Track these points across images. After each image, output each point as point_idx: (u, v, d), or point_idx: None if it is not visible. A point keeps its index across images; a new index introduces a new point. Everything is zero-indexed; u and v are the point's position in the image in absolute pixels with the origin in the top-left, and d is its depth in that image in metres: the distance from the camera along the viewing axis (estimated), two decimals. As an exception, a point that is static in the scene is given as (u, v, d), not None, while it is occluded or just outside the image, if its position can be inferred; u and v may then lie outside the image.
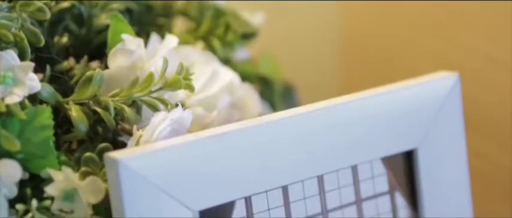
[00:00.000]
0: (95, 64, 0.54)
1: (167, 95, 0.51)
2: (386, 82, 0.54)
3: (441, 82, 0.53)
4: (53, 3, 0.53)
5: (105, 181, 0.47)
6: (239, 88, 0.58)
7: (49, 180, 0.47)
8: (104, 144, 0.49)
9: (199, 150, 0.47)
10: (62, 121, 0.51)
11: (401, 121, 0.52)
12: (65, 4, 0.54)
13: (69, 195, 0.46)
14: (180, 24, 0.63)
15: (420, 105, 0.53)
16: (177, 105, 0.51)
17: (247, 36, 0.62)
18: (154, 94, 0.50)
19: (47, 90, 0.49)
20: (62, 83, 0.52)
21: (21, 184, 0.47)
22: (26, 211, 0.46)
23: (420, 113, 0.53)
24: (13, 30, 0.48)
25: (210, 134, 0.48)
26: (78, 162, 0.49)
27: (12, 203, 0.46)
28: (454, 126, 0.54)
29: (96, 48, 0.55)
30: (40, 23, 0.52)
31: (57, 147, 0.49)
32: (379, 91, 0.52)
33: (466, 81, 0.55)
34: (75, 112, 0.49)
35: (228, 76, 0.57)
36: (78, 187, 0.46)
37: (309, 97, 0.57)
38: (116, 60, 0.51)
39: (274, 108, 0.64)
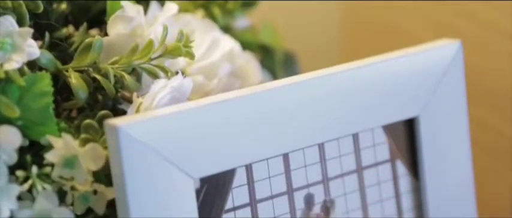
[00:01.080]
0: (94, 31, 0.54)
1: (167, 63, 0.51)
2: (388, 50, 0.53)
3: (443, 50, 0.53)
4: (52, -31, 0.52)
5: (105, 148, 0.47)
6: (240, 56, 0.57)
7: (49, 147, 0.46)
8: (103, 111, 0.49)
9: (200, 117, 0.47)
10: (62, 89, 0.50)
11: (402, 89, 0.52)
12: (64, -30, 0.53)
13: (69, 162, 0.46)
14: (180, -9, 0.62)
15: (422, 72, 0.52)
16: (177, 73, 0.51)
17: (248, 4, 0.62)
18: (154, 62, 0.50)
19: (46, 57, 0.49)
20: (61, 50, 0.52)
21: (21, 151, 0.47)
22: (26, 178, 0.46)
23: (422, 81, 0.52)
24: (11, -4, 0.48)
25: (210, 101, 0.47)
26: (77, 129, 0.49)
27: (12, 170, 0.46)
28: (455, 94, 0.53)
29: (95, 15, 0.55)
30: (39, -11, 0.51)
31: (57, 114, 0.49)
32: (380, 59, 0.52)
33: (468, 49, 0.55)
34: (74, 79, 0.49)
35: (228, 44, 0.57)
36: (78, 154, 0.46)
37: (310, 66, 0.57)
38: (116, 27, 0.51)
39: (275, 76, 0.63)
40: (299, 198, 0.51)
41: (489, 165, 0.67)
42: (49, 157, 0.46)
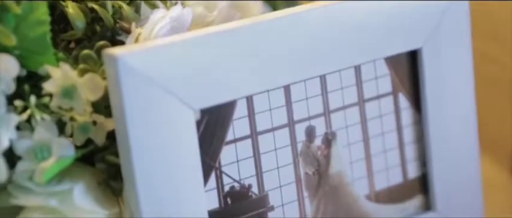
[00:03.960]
0: (91, -39, 0.52)
1: (167, -7, 0.50)
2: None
3: (447, -19, 0.52)
4: None
5: (104, 78, 0.46)
6: (240, -12, 0.56)
7: (47, 77, 0.46)
8: (102, 42, 0.48)
9: (200, 47, 0.46)
10: (59, 20, 0.50)
11: (405, 20, 0.51)
12: None
13: (68, 92, 0.46)
14: None
15: (425, 3, 0.51)
16: (176, 3, 0.50)
17: None
18: (153, -8, 0.49)
19: (43, -15, 0.48)
20: (58, -20, 0.51)
21: (19, 82, 0.46)
22: (25, 108, 0.46)
23: (425, 12, 0.51)
24: None
25: (211, 32, 0.47)
26: (76, 60, 0.48)
27: (10, 100, 0.46)
28: (459, 26, 0.53)
29: None
30: None
31: (55, 45, 0.48)
32: (383, -11, 0.51)
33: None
34: (72, 9, 0.48)
35: (228, -25, 0.56)
36: (76, 84, 0.46)
37: (311, -1, 0.56)
38: (113, -43, 0.50)
39: (275, 9, 0.62)
40: (300, 130, 0.50)
41: (491, 97, 0.67)
42: (47, 86, 0.45)
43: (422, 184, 0.54)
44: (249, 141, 0.49)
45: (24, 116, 0.45)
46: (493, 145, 0.67)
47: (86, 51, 0.47)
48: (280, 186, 0.50)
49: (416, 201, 0.54)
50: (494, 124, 0.67)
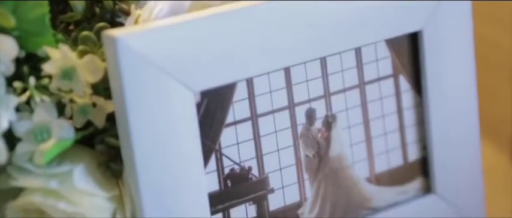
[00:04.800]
0: None
1: (166, -25, 0.50)
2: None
3: (448, -38, 0.52)
4: None
5: (104, 60, 0.46)
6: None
7: (46, 59, 0.46)
8: (101, 23, 0.48)
9: (200, 29, 0.46)
10: (58, 1, 0.50)
11: (406, 2, 0.51)
12: None
13: (68, 73, 0.45)
14: None
15: (426, -15, 0.51)
16: (176, -15, 0.50)
17: None
18: (153, -27, 0.49)
19: (42, -33, 0.48)
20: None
21: (19, 64, 0.46)
22: (24, 89, 0.46)
23: (426, -6, 0.51)
24: None
25: (211, 13, 0.46)
26: (75, 41, 0.48)
27: (9, 81, 0.45)
28: (460, 8, 0.52)
29: None
30: None
31: (54, 27, 0.48)
32: (384, -29, 0.51)
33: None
34: (71, -10, 0.48)
35: (228, -43, 0.56)
36: (76, 65, 0.45)
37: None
38: None
39: None
40: (300, 113, 0.50)
41: (491, 81, 0.67)
42: (47, 68, 0.45)
43: (423, 167, 0.54)
44: (249, 123, 0.49)
45: (24, 97, 0.45)
46: (493, 128, 0.67)
47: (85, 33, 0.47)
48: (281, 168, 0.50)
49: (416, 184, 0.54)
50: (494, 107, 0.67)
